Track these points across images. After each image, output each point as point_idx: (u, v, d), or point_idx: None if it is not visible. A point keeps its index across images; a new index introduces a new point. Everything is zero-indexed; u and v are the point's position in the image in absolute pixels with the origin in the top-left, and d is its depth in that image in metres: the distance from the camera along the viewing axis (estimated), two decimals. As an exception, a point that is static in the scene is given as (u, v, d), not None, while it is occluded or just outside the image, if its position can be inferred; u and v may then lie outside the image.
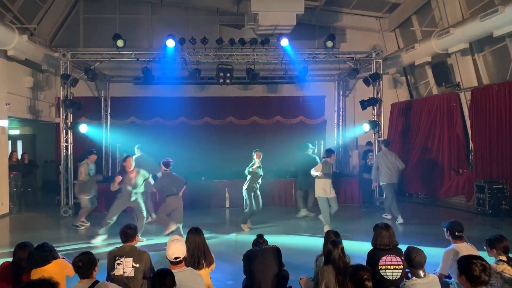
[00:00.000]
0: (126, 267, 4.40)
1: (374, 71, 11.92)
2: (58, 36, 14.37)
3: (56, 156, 13.75)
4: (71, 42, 14.10)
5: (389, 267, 4.23)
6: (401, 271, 4.24)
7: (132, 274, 4.38)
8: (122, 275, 4.34)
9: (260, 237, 5.18)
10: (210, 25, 14.62)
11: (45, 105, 13.70)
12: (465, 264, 3.18)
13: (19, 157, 13.44)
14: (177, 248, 3.82)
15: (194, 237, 4.57)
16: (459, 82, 12.03)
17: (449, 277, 4.57)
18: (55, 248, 4.58)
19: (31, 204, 12.96)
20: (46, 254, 4.14)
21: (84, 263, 3.70)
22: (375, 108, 12.04)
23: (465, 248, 4.53)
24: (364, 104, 12.11)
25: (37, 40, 11.61)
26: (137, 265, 4.42)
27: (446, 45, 10.92)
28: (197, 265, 4.42)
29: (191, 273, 3.84)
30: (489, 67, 11.39)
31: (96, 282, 3.66)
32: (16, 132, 15.97)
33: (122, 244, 4.64)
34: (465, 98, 12.03)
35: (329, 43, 11.80)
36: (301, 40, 14.09)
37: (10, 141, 13.00)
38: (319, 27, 14.92)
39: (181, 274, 3.62)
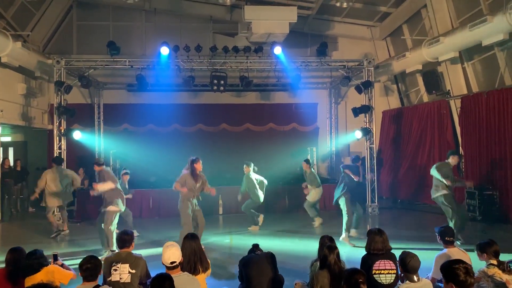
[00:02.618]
0: (123, 273, 4.42)
1: (366, 79, 12.07)
2: (51, 43, 14.38)
3: (49, 163, 13.68)
4: (64, 49, 14.12)
5: (382, 271, 4.30)
6: (394, 275, 4.31)
7: (128, 280, 4.40)
8: (119, 281, 4.36)
9: (256, 247, 5.23)
10: (203, 33, 14.73)
11: (38, 112, 13.66)
12: (449, 271, 3.20)
13: (11, 164, 13.35)
14: (172, 253, 3.86)
15: (190, 242, 4.59)
16: (449, 90, 12.22)
17: (441, 281, 4.65)
18: (56, 254, 4.59)
19: (23, 211, 12.87)
20: (34, 263, 4.13)
21: (92, 266, 3.77)
22: (367, 115, 12.19)
23: (456, 253, 4.62)
24: (356, 111, 12.25)
25: (31, 47, 11.62)
26: (134, 271, 4.44)
27: (436, 54, 11.12)
28: (193, 271, 4.45)
29: (187, 278, 3.88)
30: (478, 75, 11.59)
31: (98, 286, 3.70)
32: (7, 139, 15.86)
33: (119, 250, 4.66)
34: (455, 106, 12.22)
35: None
36: (293, 48, 14.23)
37: (1, 148, 12.90)
38: (312, 35, 15.10)
39: (178, 278, 3.65)
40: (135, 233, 8.48)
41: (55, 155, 11.29)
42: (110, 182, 7.75)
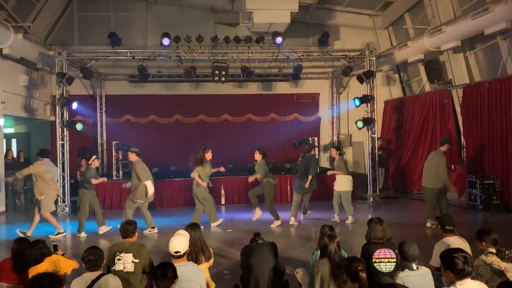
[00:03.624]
0: (126, 262, 4.49)
1: (368, 69, 12.05)
2: (52, 35, 14.34)
3: (52, 154, 13.74)
4: (65, 40, 14.09)
5: (382, 260, 4.35)
6: (394, 264, 4.36)
7: (132, 269, 4.47)
8: (122, 270, 4.43)
9: (257, 235, 5.29)
10: (204, 23, 14.65)
11: (40, 103, 13.71)
12: (448, 259, 3.27)
13: (15, 155, 13.44)
14: (178, 243, 3.91)
15: (190, 233, 4.63)
16: (451, 79, 12.19)
17: (440, 269, 4.69)
18: (56, 244, 4.65)
19: (26, 202, 12.96)
20: (37, 253, 4.17)
21: (95, 257, 3.84)
22: (369, 105, 12.18)
23: (456, 241, 4.66)
24: (358, 101, 12.24)
25: (32, 39, 11.62)
26: (137, 260, 4.51)
27: (438, 43, 11.07)
28: (195, 260, 4.50)
29: (192, 267, 3.93)
30: (480, 65, 11.55)
31: (103, 274, 3.78)
32: (10, 130, 15.93)
33: (122, 240, 4.73)
34: (457, 95, 12.20)
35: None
36: (295, 37, 14.19)
37: (4, 140, 12.96)
38: (313, 25, 15.01)
39: (183, 267, 3.70)
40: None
41: (58, 146, 11.36)
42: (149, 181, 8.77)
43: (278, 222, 9.22)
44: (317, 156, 9.62)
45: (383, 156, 13.93)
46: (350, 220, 9.43)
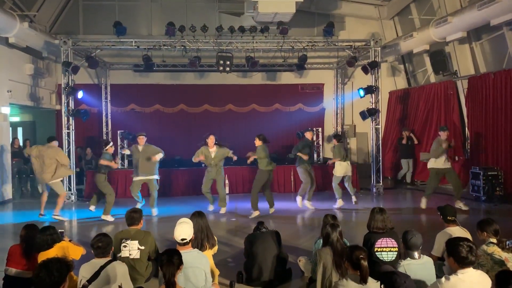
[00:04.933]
0: (132, 249, 4.58)
1: (373, 59, 12.00)
2: (57, 23, 14.36)
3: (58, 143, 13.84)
4: (71, 29, 14.13)
5: (384, 249, 4.42)
6: (396, 253, 4.42)
7: (137, 256, 4.56)
8: (128, 257, 4.52)
9: (260, 223, 5.36)
10: (209, 12, 14.64)
11: (46, 92, 13.79)
12: (453, 246, 3.34)
13: (21, 144, 13.55)
14: (183, 230, 3.98)
15: (197, 220, 4.72)
16: (456, 70, 12.14)
17: (442, 259, 4.75)
18: (63, 231, 4.74)
19: (33, 190, 13.09)
20: (48, 238, 4.26)
21: (104, 244, 3.90)
22: (373, 95, 12.16)
23: (458, 232, 4.71)
24: (363, 91, 12.22)
25: (38, 27, 11.65)
26: (143, 247, 4.60)
27: (444, 34, 11.00)
28: (200, 247, 4.58)
29: (197, 255, 4.00)
30: (486, 56, 11.49)
31: (111, 261, 3.86)
32: (16, 119, 16.04)
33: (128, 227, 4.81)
34: (462, 86, 12.15)
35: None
36: (300, 27, 14.15)
37: (10, 128, 13.05)
38: (319, 14, 14.94)
39: (188, 254, 3.77)
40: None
41: (63, 135, 11.43)
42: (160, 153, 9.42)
43: (256, 213, 9.07)
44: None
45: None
46: (338, 203, 9.83)
